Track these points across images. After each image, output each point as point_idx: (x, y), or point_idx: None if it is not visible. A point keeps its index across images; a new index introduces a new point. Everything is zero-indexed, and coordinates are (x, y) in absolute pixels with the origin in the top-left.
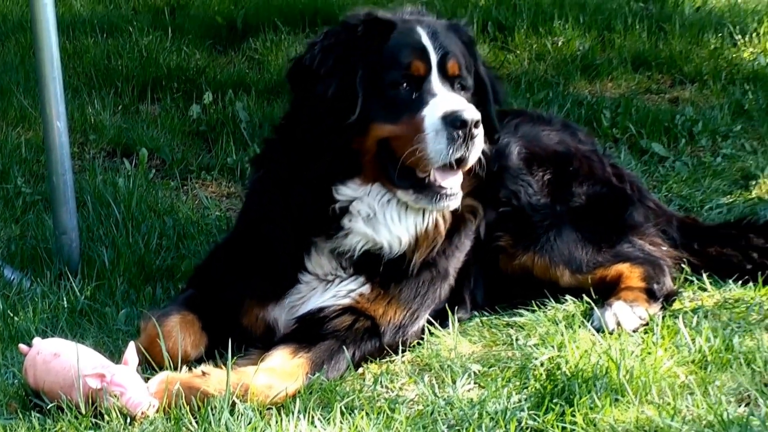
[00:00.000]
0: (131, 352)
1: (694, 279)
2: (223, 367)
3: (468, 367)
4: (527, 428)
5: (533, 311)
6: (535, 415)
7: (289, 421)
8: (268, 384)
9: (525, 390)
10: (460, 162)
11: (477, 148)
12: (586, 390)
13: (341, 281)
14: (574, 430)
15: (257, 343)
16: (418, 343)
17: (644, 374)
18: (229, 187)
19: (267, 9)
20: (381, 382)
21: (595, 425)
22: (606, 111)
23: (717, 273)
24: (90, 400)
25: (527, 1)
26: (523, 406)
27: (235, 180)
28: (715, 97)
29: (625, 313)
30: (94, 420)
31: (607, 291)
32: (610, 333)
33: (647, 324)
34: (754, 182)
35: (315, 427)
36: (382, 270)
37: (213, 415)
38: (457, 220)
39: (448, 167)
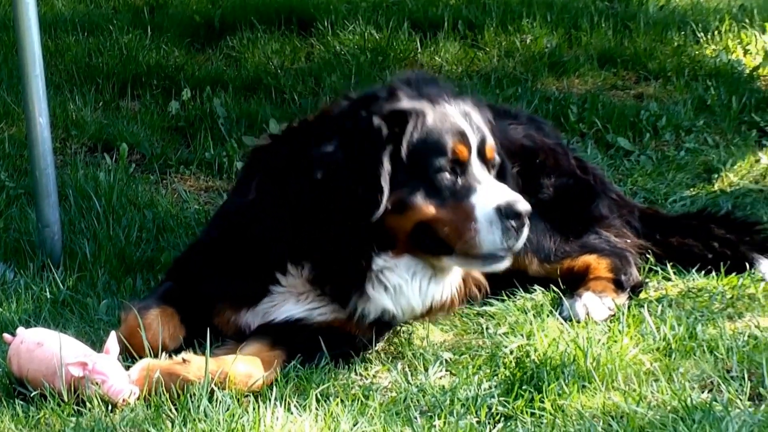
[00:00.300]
0: (112, 342)
1: (659, 269)
2: (202, 355)
3: (440, 355)
4: (497, 414)
5: (503, 301)
6: (505, 401)
7: (266, 408)
8: (248, 372)
9: (495, 377)
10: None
11: (525, 235)
12: (554, 377)
13: (320, 302)
14: (542, 416)
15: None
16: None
17: (610, 361)
18: (207, 181)
19: (243, 8)
20: (355, 369)
21: (563, 411)
22: (573, 107)
23: (679, 262)
24: (72, 388)
25: (496, 0)
26: (493, 392)
27: (213, 174)
28: (679, 93)
29: (595, 303)
30: (76, 407)
31: (573, 281)
32: (578, 323)
33: (614, 314)
34: (716, 175)
35: (291, 413)
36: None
37: (192, 402)
38: (467, 292)
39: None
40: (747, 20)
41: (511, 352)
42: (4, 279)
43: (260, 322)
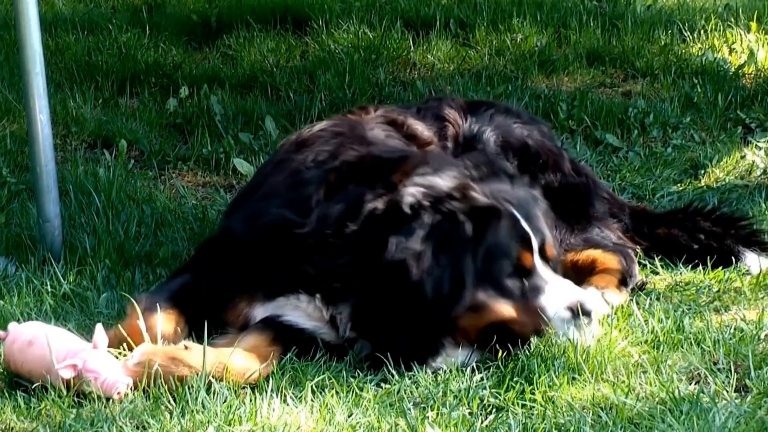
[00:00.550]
0: (100, 335)
1: (647, 263)
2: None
3: None
4: (489, 406)
5: None
6: (497, 393)
7: (262, 399)
8: (246, 365)
9: (487, 369)
10: None
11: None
12: (544, 369)
13: (330, 328)
14: (533, 407)
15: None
16: None
17: (600, 354)
18: (204, 176)
19: (240, 7)
20: (350, 362)
21: (553, 402)
22: (562, 104)
23: (666, 254)
24: (71, 384)
25: None
26: (485, 384)
27: (210, 170)
28: (666, 91)
29: (596, 299)
30: (76, 399)
31: (575, 275)
32: None
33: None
34: (702, 171)
35: (287, 405)
36: None
37: (190, 393)
38: None
39: None
40: (732, 19)
41: None
42: (5, 273)
43: (266, 315)
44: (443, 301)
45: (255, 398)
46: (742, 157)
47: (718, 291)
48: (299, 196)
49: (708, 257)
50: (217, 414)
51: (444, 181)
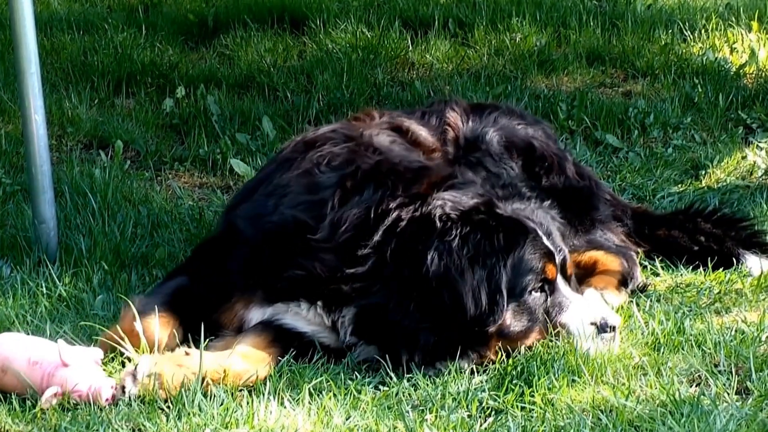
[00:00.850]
0: (65, 352)
1: (647, 264)
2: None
3: None
4: (488, 408)
5: None
6: (496, 395)
7: (259, 402)
8: (245, 368)
9: (486, 371)
10: None
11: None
12: (544, 371)
13: (330, 333)
14: (533, 410)
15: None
16: None
17: (600, 356)
18: (201, 177)
19: (236, 7)
20: (348, 364)
21: (552, 405)
22: (562, 104)
23: (666, 255)
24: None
25: None
26: (484, 386)
27: (207, 171)
28: (666, 91)
29: (595, 300)
30: (72, 402)
31: (578, 275)
32: None
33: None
34: (703, 172)
35: (284, 407)
36: None
37: (186, 396)
38: None
39: None
40: (733, 19)
41: None
42: (0, 275)
43: (263, 319)
44: (481, 316)
45: (252, 401)
46: (743, 158)
47: (719, 293)
48: (313, 199)
49: (709, 259)
50: (213, 417)
51: (469, 196)
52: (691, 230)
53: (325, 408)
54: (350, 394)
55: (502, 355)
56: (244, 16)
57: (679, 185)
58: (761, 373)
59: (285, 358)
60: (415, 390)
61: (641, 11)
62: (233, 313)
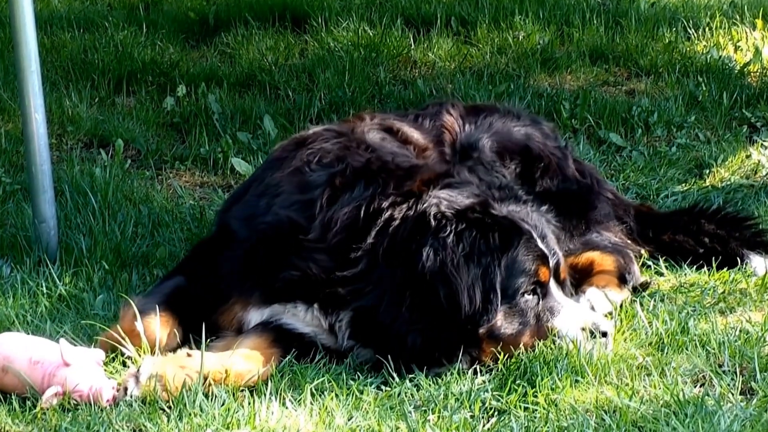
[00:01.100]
0: (67, 352)
1: (651, 264)
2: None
3: None
4: (491, 409)
5: None
6: (499, 395)
7: (261, 402)
8: (247, 368)
9: (488, 372)
10: None
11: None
12: (547, 371)
13: (329, 335)
14: (536, 410)
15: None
16: None
17: (603, 356)
18: (202, 176)
19: (237, 5)
20: (350, 364)
21: (556, 405)
22: (565, 102)
23: (672, 257)
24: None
25: None
26: (486, 387)
27: (208, 170)
28: (670, 89)
29: (598, 298)
30: (73, 402)
31: (577, 278)
32: None
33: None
34: (707, 171)
35: (286, 408)
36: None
37: (188, 396)
38: None
39: None
40: (737, 17)
41: None
42: (0, 274)
43: (262, 320)
44: (475, 314)
45: (254, 401)
46: (748, 157)
47: (723, 292)
48: (304, 199)
49: (713, 259)
50: (215, 417)
51: (465, 196)
52: (695, 232)
53: (327, 408)
54: (352, 395)
55: (505, 356)
56: (245, 14)
57: (683, 184)
58: (766, 374)
59: (287, 358)
60: (417, 390)
61: (645, 9)
62: (232, 315)
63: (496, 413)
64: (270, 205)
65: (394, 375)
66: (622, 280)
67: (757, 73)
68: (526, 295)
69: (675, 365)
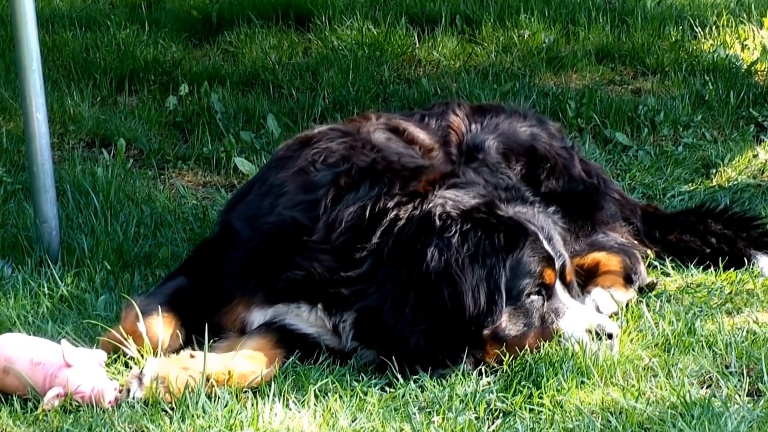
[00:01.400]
0: (69, 353)
1: (657, 264)
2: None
3: None
4: (496, 410)
5: None
6: (504, 397)
7: (264, 404)
8: (251, 369)
9: (493, 373)
10: None
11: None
12: (552, 372)
13: (333, 336)
14: (541, 411)
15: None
16: None
17: (609, 357)
18: (205, 176)
19: (241, 3)
20: (354, 365)
21: (561, 407)
22: (571, 102)
23: (677, 256)
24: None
25: None
26: (491, 388)
27: (211, 169)
28: (677, 88)
29: (604, 298)
30: (75, 404)
31: (583, 279)
32: None
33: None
34: (714, 170)
35: (289, 409)
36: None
37: (190, 398)
38: None
39: None
40: (745, 15)
41: None
42: (2, 275)
43: (266, 321)
44: (479, 315)
45: (257, 402)
46: (755, 156)
47: (730, 293)
48: (309, 199)
49: (720, 259)
50: (218, 419)
51: (471, 196)
52: (701, 232)
53: (330, 410)
54: (356, 396)
55: (510, 357)
56: (248, 12)
57: (690, 184)
58: None
59: (290, 359)
60: (422, 392)
61: (651, 8)
62: (234, 315)
63: (501, 415)
64: (274, 205)
65: (399, 376)
66: (628, 281)
67: (765, 72)
68: (531, 297)
69: (681, 366)
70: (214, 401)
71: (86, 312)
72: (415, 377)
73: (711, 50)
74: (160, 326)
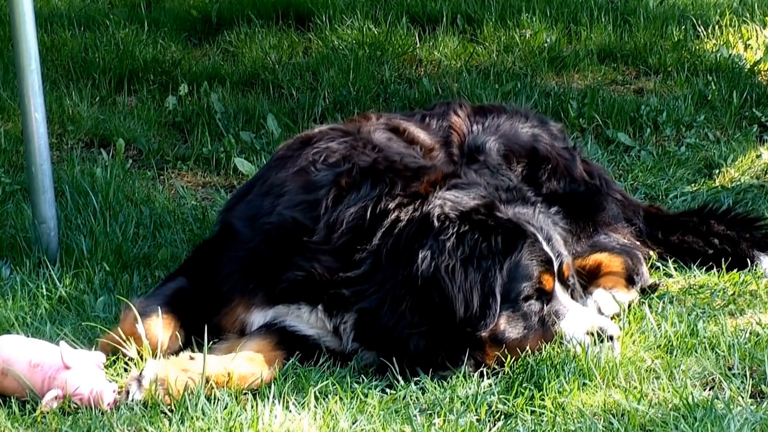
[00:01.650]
0: (68, 354)
1: (660, 265)
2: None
3: None
4: (497, 412)
5: None
6: (505, 399)
7: (264, 406)
8: (251, 371)
9: (495, 375)
10: None
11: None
12: (554, 374)
13: (334, 337)
14: (543, 413)
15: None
16: None
17: (611, 359)
18: (204, 176)
19: (240, 2)
20: (354, 367)
21: (563, 409)
22: (573, 102)
23: (681, 259)
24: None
25: None
26: (493, 390)
27: (211, 170)
28: (679, 88)
29: (605, 299)
30: (73, 405)
31: (585, 280)
32: None
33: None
34: (717, 171)
35: (290, 411)
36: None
37: (190, 400)
38: None
39: None
40: (747, 14)
41: None
42: (0, 276)
43: (265, 322)
44: (471, 318)
45: (257, 404)
46: (758, 156)
47: (733, 294)
48: (309, 199)
49: (723, 260)
50: (217, 421)
51: (471, 197)
52: (704, 233)
53: (331, 412)
54: (357, 398)
55: (511, 359)
56: (248, 11)
57: (693, 184)
58: None
59: (290, 361)
60: (423, 394)
61: (653, 7)
62: (234, 316)
63: (502, 417)
64: (274, 204)
65: (399, 378)
66: (630, 282)
67: None
68: (530, 299)
69: (684, 368)
70: (214, 403)
71: (85, 313)
72: (415, 379)
73: (714, 50)
74: (160, 328)
